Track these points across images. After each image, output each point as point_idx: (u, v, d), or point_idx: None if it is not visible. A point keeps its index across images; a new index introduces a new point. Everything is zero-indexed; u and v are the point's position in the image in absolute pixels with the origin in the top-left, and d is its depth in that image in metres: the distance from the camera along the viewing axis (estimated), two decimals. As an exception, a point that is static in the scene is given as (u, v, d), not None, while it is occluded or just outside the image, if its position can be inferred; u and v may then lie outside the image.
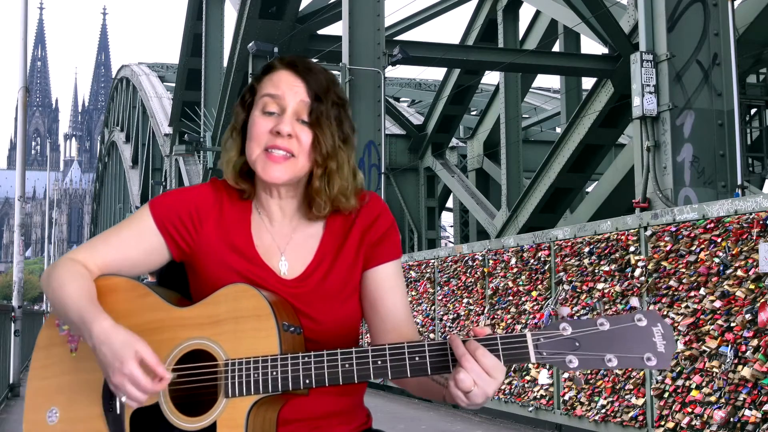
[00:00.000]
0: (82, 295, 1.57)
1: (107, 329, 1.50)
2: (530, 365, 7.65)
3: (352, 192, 1.67)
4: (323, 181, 1.64)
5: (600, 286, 6.61)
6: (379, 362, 1.48)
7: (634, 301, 6.16)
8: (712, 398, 5.33)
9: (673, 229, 5.85)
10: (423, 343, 1.48)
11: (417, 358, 1.47)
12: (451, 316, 9.36)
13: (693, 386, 5.53)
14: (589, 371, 6.71)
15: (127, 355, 1.46)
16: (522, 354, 1.46)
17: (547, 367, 7.38)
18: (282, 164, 1.61)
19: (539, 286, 7.60)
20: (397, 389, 11.22)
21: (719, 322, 5.33)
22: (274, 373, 1.49)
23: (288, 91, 1.63)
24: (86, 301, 1.56)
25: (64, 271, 1.62)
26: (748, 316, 5.10)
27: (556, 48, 20.99)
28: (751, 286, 5.12)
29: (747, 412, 5.06)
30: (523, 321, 7.80)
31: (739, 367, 5.14)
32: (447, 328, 9.44)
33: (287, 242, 1.69)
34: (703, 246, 5.55)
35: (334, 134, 1.63)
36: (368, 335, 1.75)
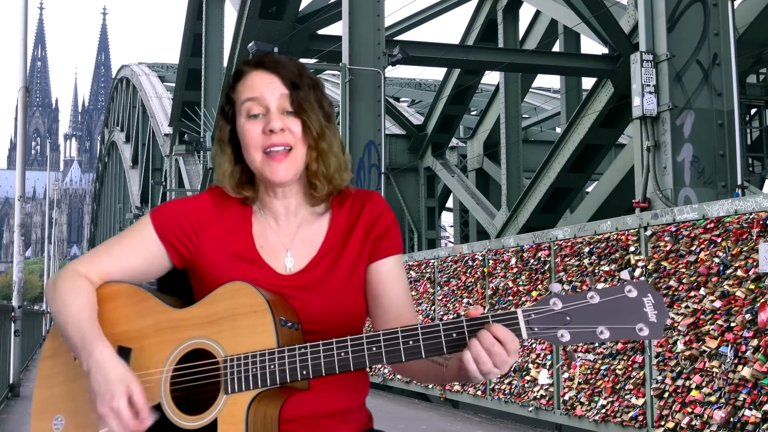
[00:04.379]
0: (83, 316, 1.61)
1: (107, 358, 1.54)
2: (530, 365, 7.64)
3: (345, 167, 1.73)
4: (320, 163, 1.68)
5: (600, 286, 6.59)
6: (374, 348, 1.49)
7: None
8: (712, 398, 5.33)
9: (673, 229, 5.85)
10: (416, 327, 1.49)
11: (411, 342, 1.48)
12: (451, 316, 9.36)
13: (693, 386, 5.53)
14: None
15: (118, 390, 1.50)
16: (513, 331, 1.46)
17: (547, 366, 7.38)
18: (284, 162, 1.65)
19: (539, 286, 7.60)
20: (398, 389, 11.22)
21: (719, 322, 5.33)
22: (272, 366, 1.50)
23: (265, 89, 1.66)
24: (88, 324, 1.60)
25: (68, 288, 1.65)
26: (748, 316, 5.10)
27: (556, 48, 20.98)
28: (751, 286, 5.12)
29: (747, 412, 5.06)
30: (523, 321, 7.79)
31: (739, 367, 5.14)
32: (447, 328, 9.43)
33: (292, 240, 1.72)
34: (703, 246, 5.55)
35: (318, 115, 1.68)
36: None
